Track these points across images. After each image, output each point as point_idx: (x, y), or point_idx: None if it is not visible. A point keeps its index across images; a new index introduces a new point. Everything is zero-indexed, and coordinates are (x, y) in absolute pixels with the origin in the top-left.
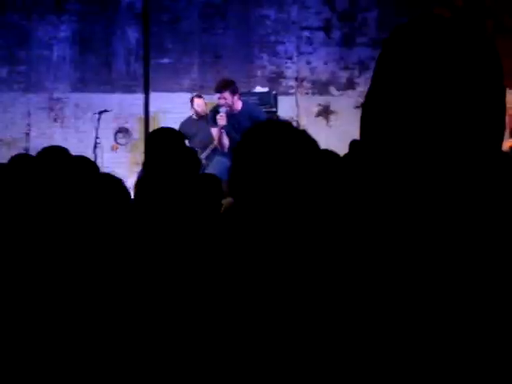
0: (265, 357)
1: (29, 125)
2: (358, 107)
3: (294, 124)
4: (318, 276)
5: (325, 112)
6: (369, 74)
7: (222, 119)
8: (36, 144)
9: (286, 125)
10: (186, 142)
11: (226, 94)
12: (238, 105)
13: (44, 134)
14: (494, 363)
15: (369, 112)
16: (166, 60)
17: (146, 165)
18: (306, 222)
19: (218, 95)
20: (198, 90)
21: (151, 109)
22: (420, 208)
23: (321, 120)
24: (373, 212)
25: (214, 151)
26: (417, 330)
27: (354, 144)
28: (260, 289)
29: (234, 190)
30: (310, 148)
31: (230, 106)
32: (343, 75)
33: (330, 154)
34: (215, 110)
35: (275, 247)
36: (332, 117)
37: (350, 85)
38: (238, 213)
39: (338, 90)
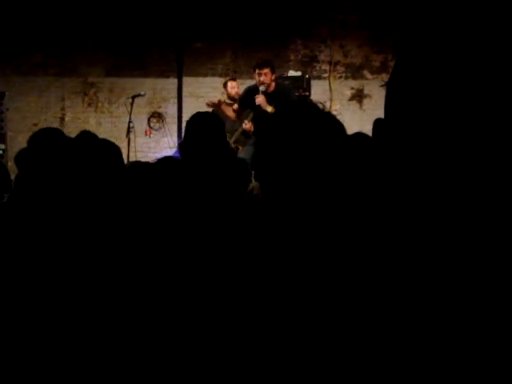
0: (265, 356)
1: (63, 109)
2: (382, 86)
3: (324, 107)
4: (325, 271)
5: (358, 96)
6: None
7: (260, 98)
8: (70, 128)
9: (313, 107)
10: None
11: (267, 70)
12: (273, 86)
13: (78, 119)
14: (493, 363)
15: (393, 91)
16: (199, 44)
17: (182, 145)
18: (324, 210)
19: (257, 71)
20: (231, 75)
21: (184, 93)
22: (435, 198)
23: (354, 104)
24: (388, 204)
25: (244, 135)
26: (417, 330)
27: (378, 123)
28: (268, 282)
29: (257, 171)
30: (335, 131)
31: (268, 84)
32: (377, 59)
33: (361, 137)
34: (249, 89)
35: (291, 234)
36: (365, 100)
37: (384, 68)
38: (261, 196)
39: (372, 73)
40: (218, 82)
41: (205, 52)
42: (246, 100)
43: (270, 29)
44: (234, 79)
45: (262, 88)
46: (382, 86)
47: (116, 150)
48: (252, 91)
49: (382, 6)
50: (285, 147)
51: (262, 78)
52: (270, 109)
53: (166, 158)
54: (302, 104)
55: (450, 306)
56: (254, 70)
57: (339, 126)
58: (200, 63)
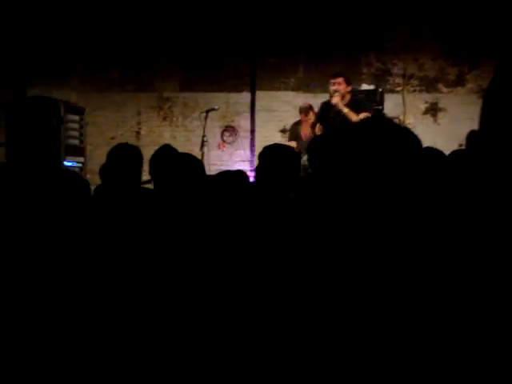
0: (265, 356)
1: (139, 123)
2: (467, 104)
3: (400, 121)
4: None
5: (432, 109)
6: (479, 71)
7: (336, 98)
8: (145, 142)
9: (390, 121)
10: (294, 143)
11: (341, 80)
12: (347, 98)
13: (153, 133)
14: (493, 362)
15: (490, 104)
16: (272, 59)
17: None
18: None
19: (331, 81)
20: (304, 89)
21: (257, 107)
22: None
23: (428, 118)
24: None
25: None
26: (416, 329)
27: (472, 135)
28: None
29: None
30: (412, 145)
31: (343, 95)
32: (452, 71)
33: (433, 152)
34: (325, 103)
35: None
36: (440, 114)
37: (459, 81)
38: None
39: (447, 86)
40: (290, 96)
41: (278, 66)
42: (323, 114)
43: (342, 42)
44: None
45: (336, 93)
46: (465, 104)
47: (198, 163)
48: (328, 104)
49: (457, 19)
50: (361, 160)
51: (335, 88)
52: (346, 110)
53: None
54: (380, 118)
55: (450, 306)
56: (329, 81)
57: (416, 141)
58: (273, 77)
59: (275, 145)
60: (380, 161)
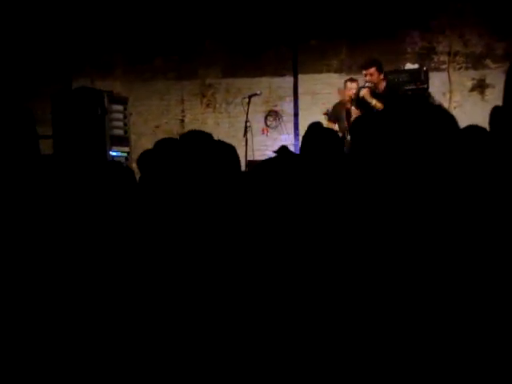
0: (265, 356)
1: (183, 111)
2: None
3: (433, 99)
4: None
5: (479, 86)
6: None
7: (364, 91)
8: (190, 129)
9: (423, 100)
10: (336, 126)
11: (372, 70)
12: (382, 85)
13: (197, 120)
14: (493, 362)
15: None
16: (313, 42)
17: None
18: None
19: (363, 72)
20: (347, 71)
21: (300, 91)
22: None
23: (475, 95)
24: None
25: None
26: (416, 329)
27: (496, 111)
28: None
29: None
30: (446, 124)
31: (375, 84)
32: (500, 46)
33: (476, 130)
34: (359, 90)
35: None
36: (488, 91)
37: (508, 56)
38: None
39: (494, 62)
40: (333, 77)
41: (319, 49)
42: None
43: (385, 22)
44: (353, 80)
45: (367, 84)
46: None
47: (232, 150)
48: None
49: None
50: (393, 142)
51: (367, 78)
52: (373, 101)
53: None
54: (411, 98)
55: (449, 306)
56: (362, 72)
57: (451, 120)
58: (315, 60)
59: (318, 126)
60: (413, 142)
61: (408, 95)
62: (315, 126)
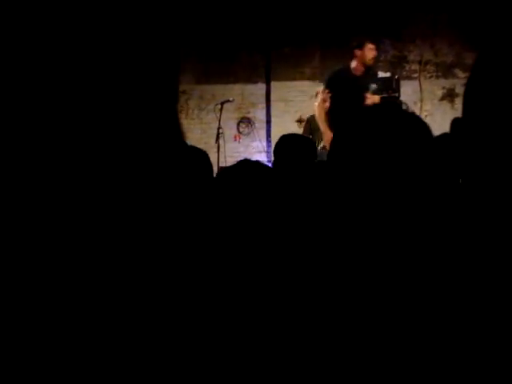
0: (264, 356)
1: None
2: None
3: (407, 107)
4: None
5: (449, 95)
6: None
7: (372, 99)
8: None
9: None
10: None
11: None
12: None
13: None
14: (493, 363)
15: (473, 90)
16: (286, 49)
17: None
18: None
19: (372, 46)
20: (320, 78)
21: (272, 98)
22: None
23: (445, 103)
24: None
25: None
26: (413, 330)
27: (456, 122)
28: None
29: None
30: (420, 132)
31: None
32: (469, 56)
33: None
34: (338, 72)
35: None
36: (457, 100)
37: None
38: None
39: (464, 71)
40: (306, 85)
41: (292, 56)
42: (336, 84)
43: (358, 30)
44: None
45: (373, 86)
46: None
47: (204, 156)
48: (342, 75)
49: (473, 4)
50: (366, 147)
51: (375, 53)
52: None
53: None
54: (386, 105)
55: (450, 306)
56: (363, 46)
57: (424, 128)
58: (288, 67)
59: (291, 135)
60: (388, 150)
61: (382, 103)
62: (288, 137)
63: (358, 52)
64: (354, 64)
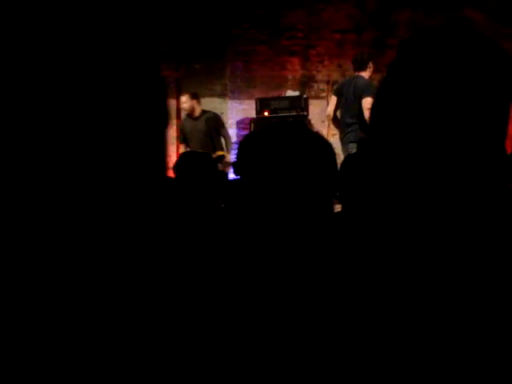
0: (264, 357)
1: None
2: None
3: (323, 127)
4: (316, 277)
5: None
6: None
7: None
8: None
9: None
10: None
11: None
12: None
13: None
14: (493, 364)
15: (379, 111)
16: (197, 65)
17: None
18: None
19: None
20: (230, 95)
21: (183, 114)
22: (420, 212)
23: None
24: (372, 214)
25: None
26: (415, 333)
27: (362, 142)
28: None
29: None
30: (322, 151)
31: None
32: (374, 78)
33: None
34: None
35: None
36: None
37: None
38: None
39: None
40: (216, 102)
41: (203, 72)
42: None
43: (267, 50)
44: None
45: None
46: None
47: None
48: None
49: (380, 26)
50: (268, 163)
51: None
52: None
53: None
54: (289, 124)
55: (447, 309)
56: None
57: (327, 147)
58: (198, 84)
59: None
60: (290, 168)
61: (286, 121)
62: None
63: None
64: None
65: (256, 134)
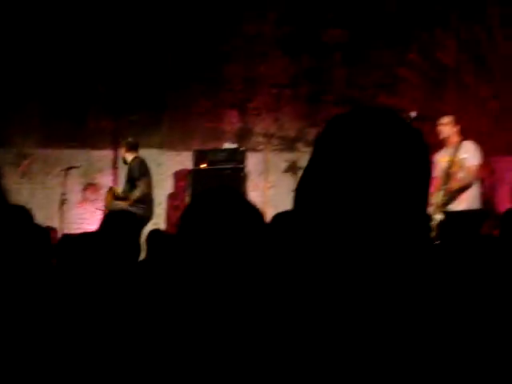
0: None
1: None
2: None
3: (260, 179)
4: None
5: (292, 168)
6: None
7: None
8: None
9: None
10: None
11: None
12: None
13: (11, 190)
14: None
15: (305, 189)
16: (134, 117)
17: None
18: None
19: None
20: (167, 147)
21: (120, 165)
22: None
23: (289, 176)
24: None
25: None
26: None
27: (277, 217)
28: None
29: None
30: (251, 218)
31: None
32: (311, 131)
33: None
34: None
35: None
36: (300, 173)
37: None
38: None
39: (306, 146)
40: (153, 153)
41: (141, 123)
42: None
43: (204, 100)
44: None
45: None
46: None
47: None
48: None
49: (315, 81)
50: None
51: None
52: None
53: None
54: (218, 192)
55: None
56: None
57: (255, 214)
58: (136, 135)
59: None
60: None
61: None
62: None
63: None
64: None
65: (195, 206)
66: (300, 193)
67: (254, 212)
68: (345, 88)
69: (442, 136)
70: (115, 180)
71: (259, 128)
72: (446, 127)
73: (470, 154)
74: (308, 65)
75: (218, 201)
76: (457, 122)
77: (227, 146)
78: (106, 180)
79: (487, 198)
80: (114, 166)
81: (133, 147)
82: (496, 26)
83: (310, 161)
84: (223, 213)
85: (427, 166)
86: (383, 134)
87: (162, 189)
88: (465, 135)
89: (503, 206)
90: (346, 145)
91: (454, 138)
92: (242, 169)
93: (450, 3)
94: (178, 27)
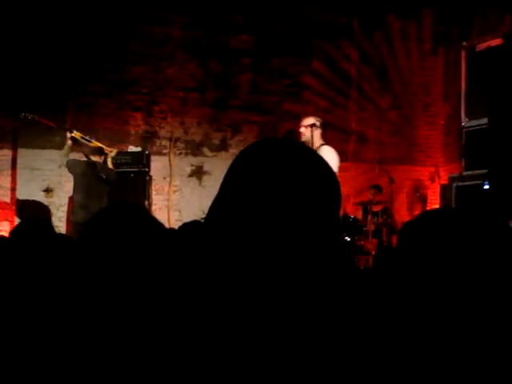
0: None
1: None
2: None
3: (165, 183)
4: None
5: (198, 172)
6: (242, 136)
7: None
8: None
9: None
10: None
11: None
12: None
13: None
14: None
15: (216, 209)
16: (37, 116)
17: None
18: None
19: None
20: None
21: (19, 165)
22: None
23: (194, 180)
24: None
25: None
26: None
27: (184, 227)
28: None
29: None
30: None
31: None
32: (216, 136)
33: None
34: None
35: None
36: (205, 177)
37: (223, 146)
38: None
39: (211, 150)
40: (56, 154)
41: (41, 124)
42: None
43: (111, 102)
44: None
45: None
46: None
47: None
48: None
49: (222, 86)
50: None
51: None
52: None
53: None
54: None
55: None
56: None
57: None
58: (37, 135)
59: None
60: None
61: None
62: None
63: None
64: None
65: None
66: (211, 213)
67: (157, 225)
68: (251, 94)
69: (302, 139)
70: (14, 181)
71: (164, 131)
72: (307, 130)
73: (327, 160)
74: (215, 69)
75: (119, 216)
76: (321, 125)
77: (132, 148)
78: (4, 181)
79: (385, 206)
80: (13, 166)
81: None
82: (397, 39)
83: (223, 185)
84: (124, 227)
85: (333, 189)
86: (291, 161)
87: (64, 191)
88: (366, 144)
89: (401, 213)
90: (257, 169)
91: (316, 143)
92: (147, 172)
93: (353, 16)
94: (84, 26)
